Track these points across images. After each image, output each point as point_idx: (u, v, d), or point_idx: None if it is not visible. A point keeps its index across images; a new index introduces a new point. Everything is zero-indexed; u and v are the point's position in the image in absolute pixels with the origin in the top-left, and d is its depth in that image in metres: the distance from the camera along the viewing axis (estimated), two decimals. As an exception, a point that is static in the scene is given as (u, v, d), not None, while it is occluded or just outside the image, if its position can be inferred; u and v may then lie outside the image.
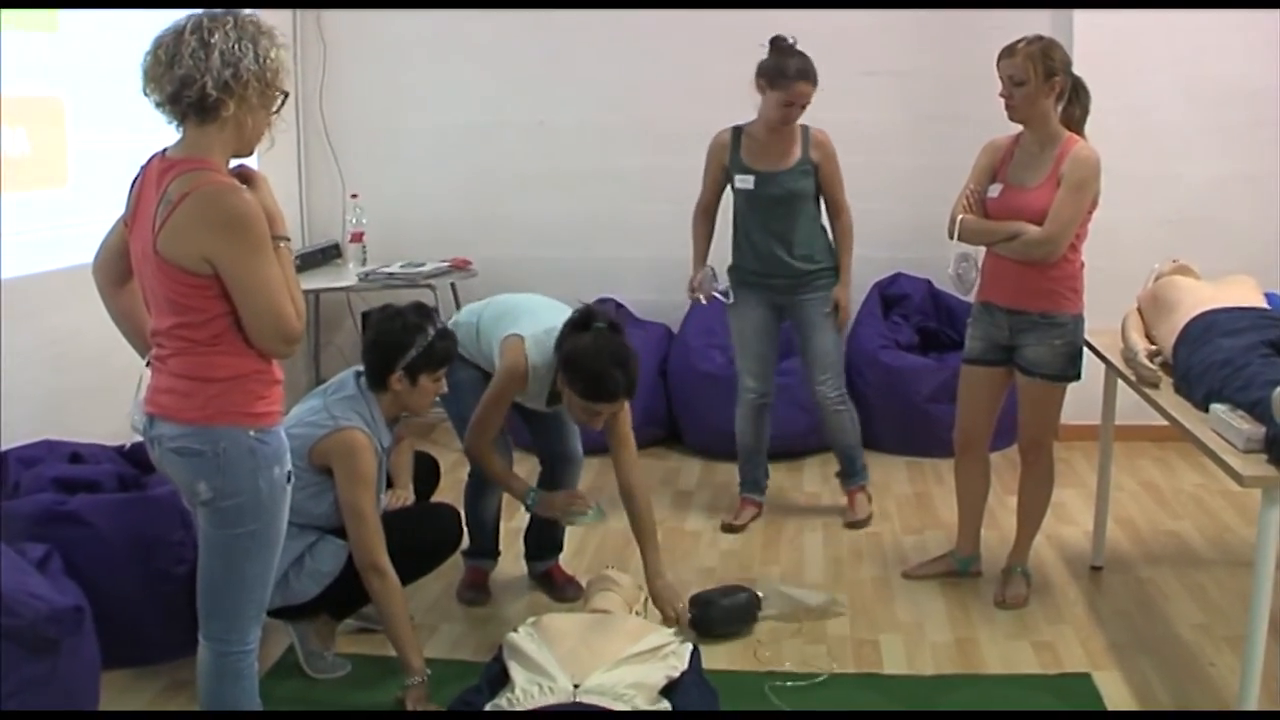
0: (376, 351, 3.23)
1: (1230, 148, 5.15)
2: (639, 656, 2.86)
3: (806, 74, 4.00)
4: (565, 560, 3.97)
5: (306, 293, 2.72)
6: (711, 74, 5.33)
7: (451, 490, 3.94)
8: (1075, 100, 3.47)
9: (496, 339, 3.50)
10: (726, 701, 2.98)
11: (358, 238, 5.60)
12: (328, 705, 3.19)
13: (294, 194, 5.77)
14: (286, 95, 2.37)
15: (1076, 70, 3.48)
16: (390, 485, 3.53)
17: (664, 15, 5.52)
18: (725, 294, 4.34)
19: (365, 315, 5.25)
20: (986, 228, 3.52)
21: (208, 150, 2.30)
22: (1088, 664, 3.34)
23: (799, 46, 4.04)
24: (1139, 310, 3.64)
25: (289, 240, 2.43)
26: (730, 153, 4.22)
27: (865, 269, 4.38)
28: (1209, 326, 3.23)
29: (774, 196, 4.17)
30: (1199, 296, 3.44)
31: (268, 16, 2.42)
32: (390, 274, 5.36)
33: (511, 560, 3.97)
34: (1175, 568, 3.99)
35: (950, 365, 4.69)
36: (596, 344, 3.28)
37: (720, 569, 4.04)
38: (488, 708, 2.78)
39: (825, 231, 4.30)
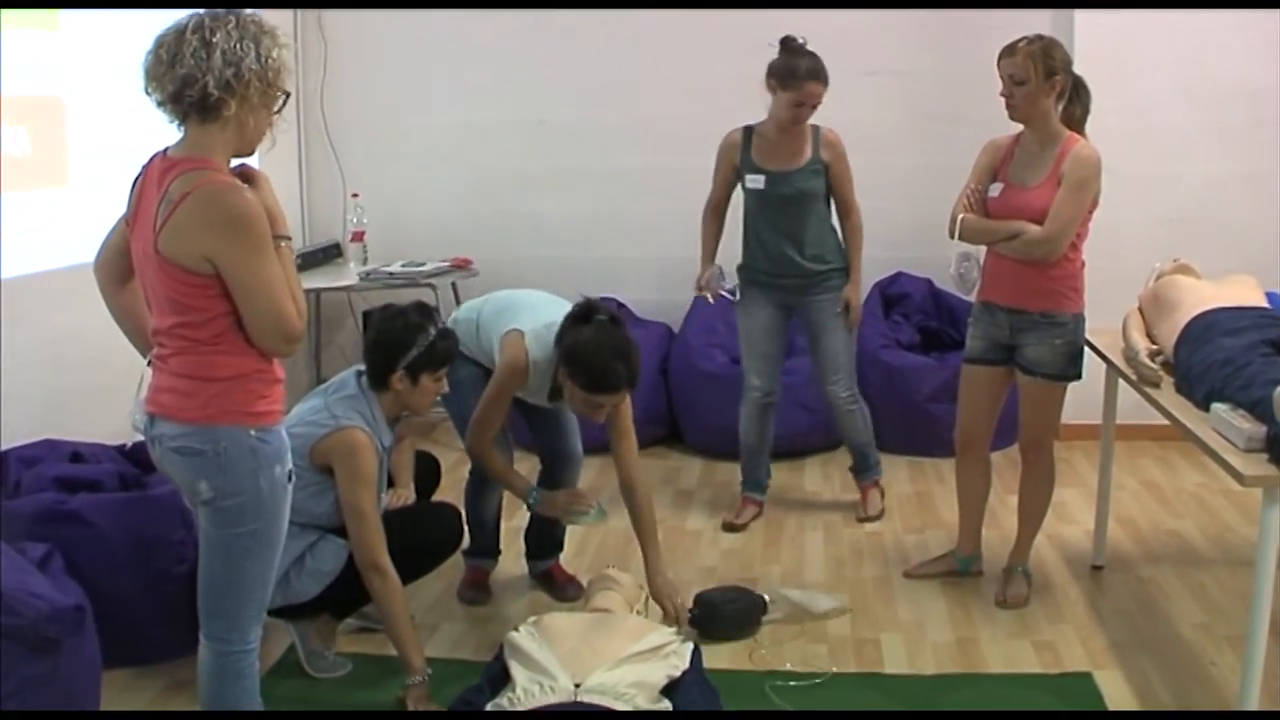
0: (378, 351, 3.23)
1: (1230, 148, 5.15)
2: (640, 656, 2.86)
3: (817, 74, 4.00)
4: (566, 559, 3.96)
5: (307, 292, 2.71)
6: (712, 74, 5.36)
7: (452, 489, 3.94)
8: (1076, 99, 3.47)
9: (496, 335, 3.50)
10: (727, 701, 2.98)
11: (358, 237, 5.60)
12: (329, 705, 3.18)
13: (295, 193, 5.77)
14: (288, 95, 2.37)
15: (1077, 70, 3.47)
16: (391, 484, 3.53)
17: (664, 15, 5.51)
18: (732, 292, 4.34)
19: (366, 314, 5.25)
20: (987, 227, 3.52)
21: (209, 150, 2.29)
22: (1089, 663, 3.33)
23: (802, 46, 4.05)
24: (1140, 309, 3.64)
25: (290, 239, 2.42)
26: (741, 152, 4.22)
27: (866, 268, 4.38)
28: (1210, 326, 3.23)
29: (785, 196, 4.17)
30: (1200, 296, 3.44)
31: (269, 16, 2.41)
32: (391, 273, 5.36)
33: (512, 559, 3.97)
34: (1176, 567, 3.99)
35: (951, 365, 4.68)
36: (598, 336, 3.29)
37: (721, 568, 4.05)
38: (488, 707, 2.77)
39: (835, 231, 4.30)
